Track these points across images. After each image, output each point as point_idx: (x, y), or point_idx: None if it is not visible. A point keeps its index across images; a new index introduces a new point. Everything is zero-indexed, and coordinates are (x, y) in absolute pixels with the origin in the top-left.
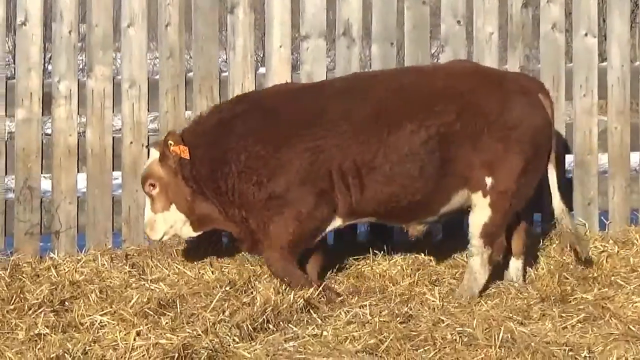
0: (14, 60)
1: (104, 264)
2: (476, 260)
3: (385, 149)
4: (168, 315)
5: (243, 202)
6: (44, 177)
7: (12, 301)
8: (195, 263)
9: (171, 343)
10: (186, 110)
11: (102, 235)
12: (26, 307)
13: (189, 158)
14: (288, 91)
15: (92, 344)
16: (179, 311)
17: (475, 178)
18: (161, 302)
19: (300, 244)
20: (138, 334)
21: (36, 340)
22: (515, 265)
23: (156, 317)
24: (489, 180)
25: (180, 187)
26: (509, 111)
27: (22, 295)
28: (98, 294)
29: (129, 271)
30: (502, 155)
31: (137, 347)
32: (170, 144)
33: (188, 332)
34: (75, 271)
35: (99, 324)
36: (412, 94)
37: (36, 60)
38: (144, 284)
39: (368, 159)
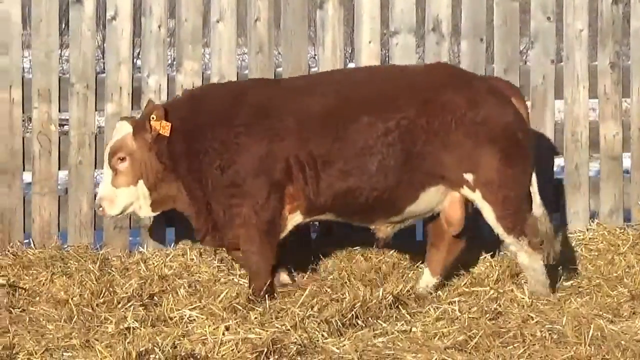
0: (103, 55)
1: (193, 259)
2: (522, 256)
3: (340, 142)
4: (257, 310)
5: (207, 184)
6: None
7: (102, 295)
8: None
9: (260, 338)
10: None
11: (190, 229)
12: (115, 301)
13: (167, 135)
14: (261, 83)
15: (181, 338)
16: (267, 306)
17: (453, 175)
18: (250, 296)
19: (272, 228)
20: (227, 328)
21: (125, 334)
22: (428, 282)
23: (245, 311)
24: (469, 176)
25: (152, 163)
26: (477, 108)
27: (111, 289)
28: (187, 288)
29: (218, 266)
30: (474, 150)
31: (226, 342)
32: (153, 118)
33: (277, 327)
34: (164, 265)
35: (188, 318)
36: (372, 88)
37: (126, 55)
38: (233, 279)
39: (324, 152)
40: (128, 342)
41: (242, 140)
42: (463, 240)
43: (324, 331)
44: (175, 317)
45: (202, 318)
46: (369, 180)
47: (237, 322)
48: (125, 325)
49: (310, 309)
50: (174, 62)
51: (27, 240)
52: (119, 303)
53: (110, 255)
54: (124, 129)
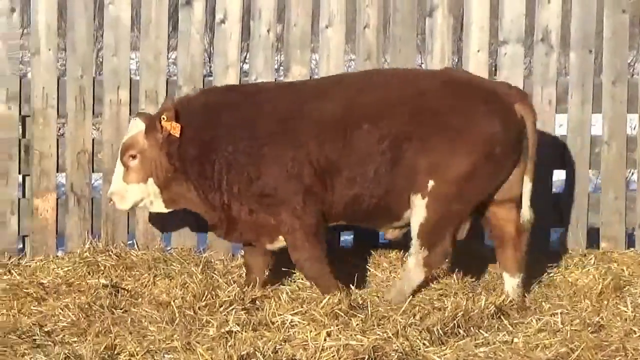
0: (209, 59)
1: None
2: (411, 259)
3: (347, 149)
4: (359, 316)
5: (232, 191)
6: None
7: (204, 298)
8: (386, 265)
9: (361, 345)
10: None
11: None
12: (217, 304)
13: (177, 136)
14: (272, 87)
15: (283, 343)
16: (369, 313)
17: (419, 180)
18: (352, 303)
19: (316, 231)
20: (328, 334)
21: (227, 337)
22: (511, 282)
23: (347, 318)
24: (430, 183)
25: (162, 163)
26: (461, 115)
27: (213, 292)
28: (289, 293)
29: None
30: (446, 158)
31: (327, 348)
32: (163, 118)
33: (378, 334)
34: (267, 270)
35: (289, 323)
36: (372, 94)
37: (234, 59)
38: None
39: (335, 160)
40: (229, 346)
41: (266, 151)
42: (525, 233)
43: (425, 340)
44: (276, 321)
45: (304, 323)
46: (369, 187)
47: (338, 329)
48: (227, 329)
49: (412, 317)
50: (282, 67)
51: (130, 242)
52: (220, 306)
53: (213, 259)
54: (137, 126)
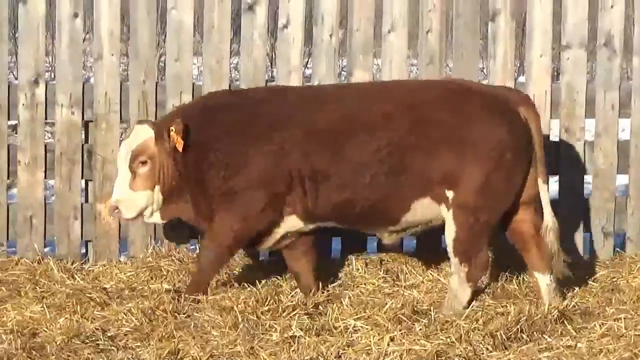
0: (272, 64)
1: (359, 269)
2: (454, 278)
3: (338, 157)
4: (422, 321)
5: (211, 193)
6: None
7: (267, 303)
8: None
9: (424, 350)
10: None
11: (356, 240)
12: (280, 309)
13: (180, 151)
14: (268, 91)
15: (346, 348)
16: (432, 318)
17: (437, 190)
18: (415, 308)
19: (240, 243)
20: (392, 339)
21: (290, 342)
22: (543, 280)
23: (410, 323)
24: (449, 194)
25: (170, 170)
26: (467, 126)
27: (276, 297)
28: (352, 298)
29: (383, 277)
30: (459, 168)
31: (390, 353)
32: (172, 130)
33: (442, 339)
34: (329, 275)
35: (352, 328)
36: (371, 104)
37: (296, 63)
38: (398, 290)
39: (323, 166)
40: (292, 351)
41: (248, 153)
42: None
43: (488, 344)
44: (340, 326)
45: (367, 328)
46: (362, 192)
47: (401, 333)
48: (290, 334)
49: (475, 322)
50: (343, 72)
51: (192, 247)
52: (284, 311)
53: (274, 264)
54: (144, 133)
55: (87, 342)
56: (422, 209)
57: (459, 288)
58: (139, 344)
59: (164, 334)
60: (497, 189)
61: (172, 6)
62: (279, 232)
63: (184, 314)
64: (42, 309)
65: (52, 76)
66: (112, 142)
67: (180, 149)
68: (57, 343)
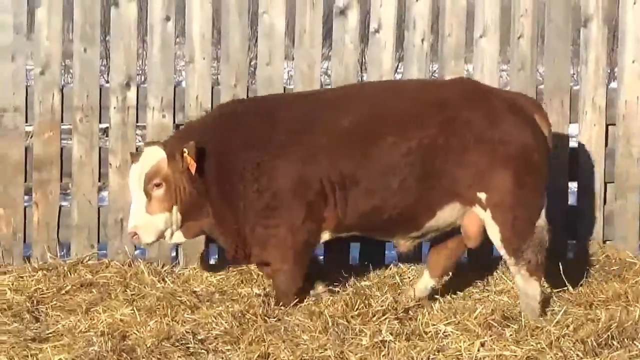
0: (361, 68)
1: (449, 274)
2: (518, 278)
3: (366, 160)
4: (512, 327)
5: (242, 207)
6: None
7: (357, 307)
8: None
9: (515, 355)
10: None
11: None
12: (370, 314)
13: (193, 174)
14: (283, 99)
15: (436, 353)
16: (523, 324)
17: (467, 193)
18: (505, 314)
19: (304, 251)
20: (482, 344)
21: (380, 347)
22: (426, 282)
23: (500, 328)
24: (482, 195)
25: (186, 188)
26: (496, 126)
27: (366, 302)
28: (442, 303)
29: (474, 282)
30: (489, 169)
31: (481, 358)
32: (185, 152)
33: (532, 345)
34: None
35: (442, 333)
36: (395, 105)
37: (388, 68)
38: (488, 295)
39: (351, 171)
40: (383, 355)
41: (276, 163)
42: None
43: (579, 351)
44: (430, 331)
45: (457, 334)
46: (392, 199)
47: (492, 339)
48: (380, 339)
49: (565, 328)
50: (434, 76)
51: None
52: (373, 316)
53: (364, 268)
54: (156, 154)
55: (177, 345)
56: (446, 214)
57: (526, 285)
58: (229, 347)
59: (254, 337)
60: (530, 190)
61: (264, 10)
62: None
63: (274, 317)
64: (133, 311)
65: (144, 79)
66: None
67: (193, 171)
68: (148, 346)
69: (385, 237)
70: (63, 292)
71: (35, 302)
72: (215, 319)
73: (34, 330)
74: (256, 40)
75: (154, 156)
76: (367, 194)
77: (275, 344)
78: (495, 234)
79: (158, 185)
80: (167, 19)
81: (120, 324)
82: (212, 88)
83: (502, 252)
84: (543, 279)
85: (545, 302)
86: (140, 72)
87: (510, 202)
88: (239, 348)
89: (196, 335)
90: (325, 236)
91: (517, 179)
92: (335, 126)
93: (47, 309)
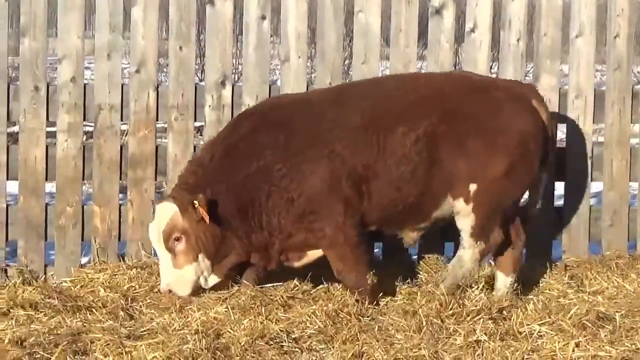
0: (455, 68)
1: (543, 274)
2: (467, 252)
3: (382, 153)
4: (607, 328)
5: (274, 222)
6: None
7: (451, 306)
8: (634, 277)
9: (610, 356)
10: (632, 122)
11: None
12: (464, 313)
13: (207, 222)
14: (289, 103)
15: (530, 353)
16: (618, 324)
17: (458, 183)
18: (600, 314)
19: (358, 244)
20: (577, 345)
21: (474, 347)
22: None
23: (595, 329)
24: (472, 187)
25: (209, 232)
26: (495, 116)
27: (460, 301)
28: (536, 303)
29: (568, 282)
30: (486, 159)
31: (575, 359)
32: (195, 203)
33: (627, 345)
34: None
35: (537, 333)
36: (399, 98)
37: (483, 68)
38: (582, 296)
39: (371, 164)
40: (477, 355)
41: (303, 168)
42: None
43: None
44: (524, 331)
45: (552, 334)
46: (406, 189)
47: (586, 339)
48: (474, 338)
49: None
50: (528, 76)
51: (377, 249)
52: (467, 315)
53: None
54: (169, 210)
55: (271, 344)
56: (448, 204)
57: (468, 261)
58: (323, 346)
59: (347, 336)
60: (518, 179)
61: (359, 9)
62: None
63: (367, 316)
64: (227, 309)
65: (238, 78)
66: None
67: (207, 221)
68: (241, 344)
69: (397, 230)
70: (156, 290)
71: (129, 299)
72: (310, 317)
73: (128, 328)
74: (350, 40)
75: (168, 212)
76: (388, 186)
77: (369, 343)
78: (468, 222)
79: (178, 240)
80: (263, 17)
81: (214, 322)
82: (308, 87)
83: (466, 236)
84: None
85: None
86: (235, 70)
87: (494, 192)
88: (333, 347)
89: (290, 334)
90: None
91: (509, 169)
92: (350, 122)
93: (141, 307)
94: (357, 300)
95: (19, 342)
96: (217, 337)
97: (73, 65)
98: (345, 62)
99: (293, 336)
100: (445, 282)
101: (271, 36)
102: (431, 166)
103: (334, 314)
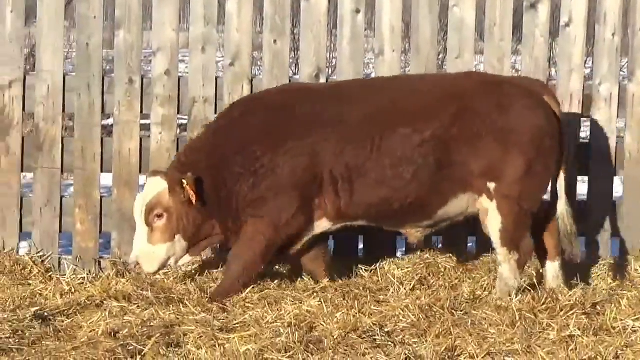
0: (549, 62)
1: (637, 269)
2: (504, 267)
3: (377, 153)
4: None
5: (239, 204)
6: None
7: (544, 301)
8: None
9: None
10: None
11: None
12: (558, 308)
13: (193, 203)
14: (285, 93)
15: (624, 349)
16: None
17: (477, 182)
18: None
19: (271, 250)
20: None
21: (567, 342)
22: (552, 268)
23: None
24: (491, 185)
25: (191, 214)
26: (507, 114)
27: (554, 296)
28: (630, 299)
29: None
30: (502, 158)
31: None
32: (183, 182)
33: None
34: (607, 275)
35: (631, 329)
36: (406, 98)
37: (578, 63)
38: None
39: (360, 163)
40: (570, 350)
41: (276, 158)
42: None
43: None
44: (617, 327)
45: None
46: (404, 189)
47: None
48: (568, 333)
49: None
50: (626, 71)
51: (470, 244)
52: (561, 310)
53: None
54: (158, 185)
55: (364, 337)
56: (457, 203)
57: (510, 276)
58: (416, 340)
59: (441, 330)
60: (538, 175)
61: (454, 3)
62: (309, 234)
63: (461, 311)
64: (320, 303)
65: (332, 72)
66: None
67: (194, 201)
68: (334, 337)
69: (396, 227)
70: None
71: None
72: (403, 311)
73: (222, 321)
74: (445, 34)
75: (156, 187)
76: (376, 184)
77: (462, 337)
78: (496, 224)
79: (159, 216)
80: (357, 11)
81: (307, 315)
82: None
83: (497, 241)
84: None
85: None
86: (328, 64)
87: (518, 193)
88: (426, 341)
89: (383, 328)
90: (326, 225)
91: (528, 168)
92: (345, 118)
93: (233, 300)
94: (449, 295)
95: (112, 333)
96: (310, 330)
97: (167, 58)
98: (439, 57)
99: (386, 330)
100: (499, 296)
101: (365, 30)
102: (439, 167)
103: (427, 307)
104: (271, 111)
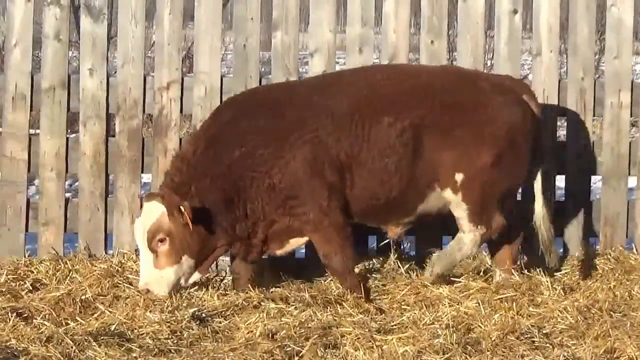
0: None
1: None
2: (467, 236)
3: (367, 142)
4: None
5: (258, 209)
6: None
7: None
8: None
9: None
10: None
11: None
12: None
13: (192, 229)
14: (272, 89)
15: None
16: None
17: (445, 174)
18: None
19: (343, 227)
20: None
21: None
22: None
23: None
24: (459, 177)
25: (195, 233)
26: (482, 108)
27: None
28: None
29: None
30: (472, 150)
31: None
32: (182, 208)
33: None
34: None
35: None
36: (388, 88)
37: None
38: None
39: (355, 153)
40: None
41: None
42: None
43: None
44: None
45: None
46: (389, 182)
47: None
48: None
49: None
50: None
51: (628, 246)
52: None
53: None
54: (156, 210)
55: (522, 339)
56: (434, 198)
57: (466, 243)
58: (574, 342)
59: (599, 332)
60: (505, 170)
61: (612, 3)
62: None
63: (619, 312)
64: (477, 304)
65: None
66: None
67: (191, 227)
68: (492, 339)
69: (380, 224)
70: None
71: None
72: (561, 313)
73: (379, 322)
74: (602, 34)
75: (155, 212)
76: (371, 177)
77: (621, 339)
78: (463, 211)
79: (162, 241)
80: (515, 11)
81: (464, 316)
82: (559, 82)
83: (464, 222)
84: None
85: None
86: (484, 65)
87: (482, 181)
88: (585, 343)
89: (541, 330)
90: None
91: (496, 159)
92: (335, 109)
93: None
94: (607, 296)
95: (270, 335)
96: (467, 332)
97: (324, 59)
98: (596, 57)
99: (544, 331)
100: (440, 262)
101: (524, 30)
102: (415, 158)
103: (585, 309)
104: (261, 110)
